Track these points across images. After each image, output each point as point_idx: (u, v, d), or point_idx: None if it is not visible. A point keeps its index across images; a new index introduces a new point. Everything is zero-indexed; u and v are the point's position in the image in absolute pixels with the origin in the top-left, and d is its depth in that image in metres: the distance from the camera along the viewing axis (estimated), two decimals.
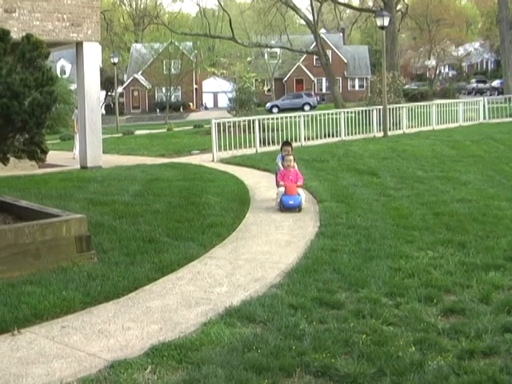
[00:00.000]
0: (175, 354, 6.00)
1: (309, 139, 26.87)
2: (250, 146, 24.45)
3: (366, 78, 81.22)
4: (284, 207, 12.83)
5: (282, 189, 12.95)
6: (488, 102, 35.96)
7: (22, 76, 9.91)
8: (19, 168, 19.14)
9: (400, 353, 5.89)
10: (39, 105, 10.06)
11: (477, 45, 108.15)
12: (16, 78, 9.81)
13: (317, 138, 27.28)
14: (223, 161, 22.20)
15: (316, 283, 8.00)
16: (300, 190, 13.03)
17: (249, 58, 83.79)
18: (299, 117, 27.42)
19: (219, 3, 71.25)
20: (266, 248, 9.88)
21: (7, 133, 10.40)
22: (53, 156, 19.02)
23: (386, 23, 30.84)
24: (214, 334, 6.43)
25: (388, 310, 7.08)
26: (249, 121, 25.98)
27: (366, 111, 30.33)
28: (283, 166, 13.56)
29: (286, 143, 14.54)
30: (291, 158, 13.48)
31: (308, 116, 28.57)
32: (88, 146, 21.68)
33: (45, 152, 12.45)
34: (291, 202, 12.80)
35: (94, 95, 21.96)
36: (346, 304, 7.32)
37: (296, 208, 12.77)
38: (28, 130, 10.63)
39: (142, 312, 7.28)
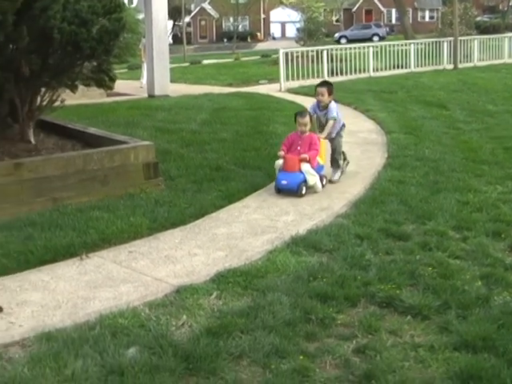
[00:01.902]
0: (241, 280, 6.04)
1: (377, 70, 26.59)
2: (318, 76, 24.18)
3: (437, 9, 79.67)
4: (276, 188, 9.19)
5: (280, 161, 9.29)
6: None
7: (90, 3, 9.89)
8: (88, 96, 19.29)
9: (466, 287, 5.82)
10: (107, 32, 10.06)
11: None
12: (84, 5, 9.79)
13: (386, 69, 26.96)
14: (290, 91, 22.09)
15: (383, 214, 7.94)
16: (306, 166, 9.07)
17: None
18: (368, 47, 27.08)
19: None
20: None
21: (76, 60, 10.43)
22: (120, 85, 19.07)
23: None
24: (280, 261, 6.45)
25: (455, 244, 6.99)
26: (317, 51, 25.67)
27: (436, 43, 29.69)
28: (297, 129, 9.53)
29: (321, 84, 10.22)
30: (306, 119, 9.36)
31: (377, 47, 28.12)
32: (155, 74, 21.70)
33: (113, 80, 12.48)
34: (284, 182, 9.04)
35: (161, 24, 21.88)
36: (412, 236, 7.25)
37: (293, 191, 9.00)
38: (96, 57, 10.66)
39: (208, 239, 7.33)
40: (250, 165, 10.55)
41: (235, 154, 11.24)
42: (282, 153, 9.26)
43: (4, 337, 5.12)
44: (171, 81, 22.95)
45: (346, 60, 26.72)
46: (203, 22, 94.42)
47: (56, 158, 8.99)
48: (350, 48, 27.44)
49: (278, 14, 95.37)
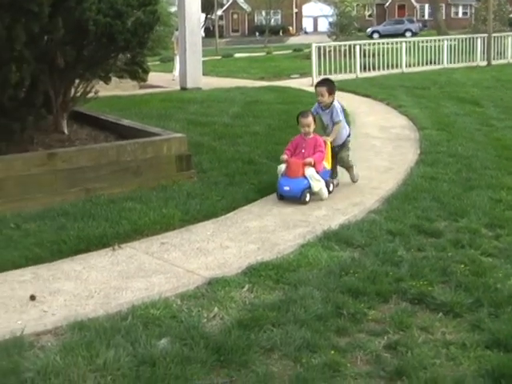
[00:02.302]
0: (272, 273, 6.05)
1: (410, 66, 26.46)
2: (350, 71, 24.23)
3: (471, 5, 78.80)
4: (278, 194, 8.59)
5: (283, 166, 8.61)
6: None
7: None
8: (121, 88, 19.38)
9: (498, 285, 5.78)
10: (142, 24, 10.12)
11: None
12: None
13: (418, 64, 26.86)
14: None
15: (415, 210, 7.90)
16: (310, 171, 8.42)
17: None
18: (401, 43, 26.95)
19: None
20: (365, 173, 9.76)
21: (110, 52, 10.50)
22: (153, 77, 19.16)
23: None
24: (312, 256, 6.44)
25: (487, 241, 6.94)
26: (349, 45, 25.61)
27: (469, 39, 29.52)
28: (301, 131, 8.85)
29: (320, 83, 9.46)
30: (309, 120, 8.72)
31: (410, 42, 27.98)
32: (188, 67, 21.75)
33: (146, 72, 12.55)
34: (286, 189, 8.41)
35: (194, 16, 21.93)
36: (444, 233, 7.21)
37: (296, 198, 8.38)
38: (130, 50, 10.73)
39: (240, 232, 7.35)
40: None
41: (267, 148, 11.23)
42: (284, 156, 8.63)
43: (37, 325, 5.16)
44: (203, 74, 22.99)
45: (378, 55, 26.61)
46: (235, 16, 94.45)
47: (89, 149, 9.04)
48: (383, 43, 27.38)
49: (311, 8, 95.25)
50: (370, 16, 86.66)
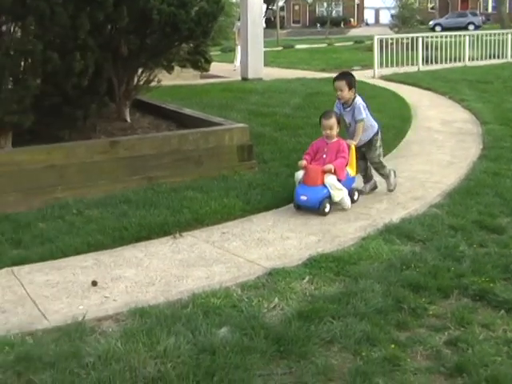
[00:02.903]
0: (333, 265, 6.02)
1: (473, 59, 26.12)
2: (412, 64, 24.01)
3: None
4: (295, 204, 7.83)
5: (300, 173, 7.86)
6: None
7: None
8: (182, 78, 19.46)
9: None
10: (206, 14, 10.15)
11: None
12: None
13: (481, 58, 26.48)
14: (384, 77, 21.94)
15: (477, 206, 7.79)
16: (331, 179, 7.63)
17: None
18: (464, 36, 26.61)
19: None
20: (427, 167, 9.69)
21: (173, 41, 10.56)
22: (214, 67, 19.16)
23: None
24: (373, 249, 6.40)
25: None
26: (412, 38, 25.37)
27: None
28: (323, 134, 8.01)
29: (339, 76, 8.41)
30: (332, 121, 7.85)
31: (473, 35, 27.61)
32: (249, 57, 21.77)
33: (208, 62, 12.60)
34: (303, 198, 7.63)
35: (256, 7, 21.93)
36: (507, 229, 7.08)
37: (314, 209, 7.63)
38: (194, 39, 10.77)
39: (301, 223, 7.33)
40: None
41: None
42: (303, 162, 7.84)
43: (98, 310, 5.22)
44: (264, 64, 22.97)
45: (441, 48, 26.32)
46: (296, 7, 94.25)
47: (151, 138, 9.11)
48: (446, 36, 27.02)
49: (372, 0, 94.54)
50: (432, 8, 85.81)
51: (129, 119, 11.00)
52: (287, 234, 7.00)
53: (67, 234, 6.92)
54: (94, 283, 5.71)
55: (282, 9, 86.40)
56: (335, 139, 7.89)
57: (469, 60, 25.95)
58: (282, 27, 73.44)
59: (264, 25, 25.67)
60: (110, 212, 7.59)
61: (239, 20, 24.10)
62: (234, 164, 9.15)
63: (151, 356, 4.43)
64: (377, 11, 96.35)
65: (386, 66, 23.15)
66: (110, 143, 8.62)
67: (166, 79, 12.71)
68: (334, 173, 7.65)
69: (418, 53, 24.56)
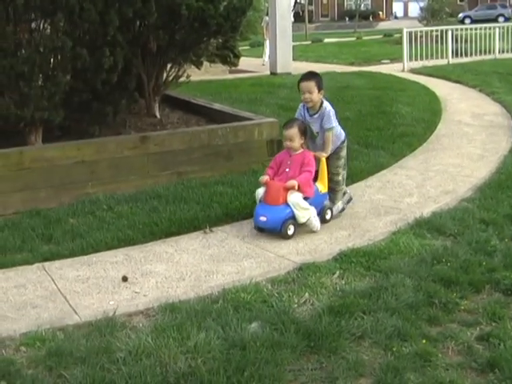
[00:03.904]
0: (363, 260, 6.00)
1: (503, 52, 25.88)
2: (442, 57, 23.86)
3: None
4: (255, 225, 6.92)
5: (261, 190, 6.92)
6: None
7: None
8: (210, 73, 19.49)
9: None
10: (234, 8, 10.14)
11: None
12: None
13: None
14: (413, 71, 21.83)
15: (509, 200, 7.71)
16: (295, 197, 6.69)
17: None
18: (494, 28, 26.36)
19: None
20: (458, 161, 9.62)
21: (202, 36, 10.56)
22: (242, 62, 19.19)
23: None
24: (403, 243, 6.37)
25: None
26: (441, 31, 25.21)
27: None
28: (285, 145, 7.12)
29: (307, 77, 7.26)
30: (292, 132, 6.92)
31: (503, 28, 27.34)
32: (278, 52, 21.74)
33: (237, 56, 12.61)
34: (262, 219, 6.71)
35: (284, 1, 21.93)
36: None
37: (275, 231, 6.71)
38: (223, 34, 10.77)
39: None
40: (373, 144, 10.42)
41: (358, 134, 11.12)
42: (264, 178, 6.89)
43: (129, 306, 5.24)
44: (293, 59, 22.93)
45: (470, 41, 26.10)
46: (325, 1, 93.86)
47: (181, 133, 9.12)
48: (476, 28, 26.76)
49: None
50: (461, 1, 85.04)
51: (158, 115, 11.02)
52: None
53: (98, 229, 6.95)
54: (125, 278, 5.73)
55: (310, 3, 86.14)
56: (299, 151, 6.96)
57: (499, 52, 25.71)
58: (310, 21, 73.22)
59: (292, 19, 25.62)
60: (140, 207, 7.62)
61: (268, 14, 24.06)
62: (264, 158, 9.10)
63: (182, 351, 4.44)
64: (405, 4, 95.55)
65: (416, 59, 23.01)
66: (140, 139, 8.64)
67: (195, 74, 12.73)
68: (299, 189, 6.75)
69: (448, 45, 24.38)
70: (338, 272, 5.79)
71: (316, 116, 7.17)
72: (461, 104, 14.79)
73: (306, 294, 5.37)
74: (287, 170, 6.89)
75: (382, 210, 7.51)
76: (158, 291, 5.51)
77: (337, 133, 7.27)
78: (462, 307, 5.15)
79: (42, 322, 4.94)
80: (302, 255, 6.24)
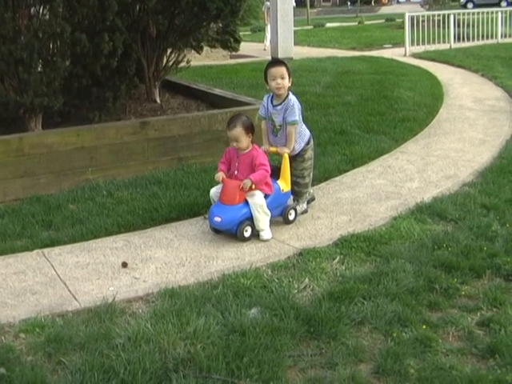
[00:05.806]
0: (364, 245, 5.99)
1: (506, 36, 25.81)
2: (444, 42, 23.82)
3: None
4: (211, 226, 6.46)
5: (214, 189, 6.54)
6: None
7: None
8: (211, 58, 19.47)
9: None
10: None
11: None
12: None
13: None
14: (415, 55, 21.81)
15: (510, 184, 7.69)
16: (258, 199, 6.23)
17: None
18: (496, 12, 26.27)
19: None
20: (459, 146, 9.59)
21: (202, 21, 10.51)
22: (244, 47, 19.20)
23: None
24: (404, 228, 6.35)
25: None
26: (443, 15, 25.12)
27: None
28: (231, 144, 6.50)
29: (277, 63, 6.80)
30: (235, 132, 6.32)
31: (506, 12, 27.24)
32: (279, 37, 21.64)
33: (238, 41, 12.56)
34: (217, 220, 6.20)
35: None
36: None
37: (231, 232, 6.27)
38: (223, 18, 10.73)
39: (332, 203, 7.28)
40: (375, 129, 10.41)
41: (359, 118, 11.11)
42: (219, 175, 6.39)
43: (128, 291, 5.23)
44: (295, 43, 22.85)
45: (473, 25, 26.02)
46: None
47: (181, 118, 9.08)
48: (478, 13, 26.63)
49: None
50: None
51: (158, 100, 11.00)
52: (318, 213, 6.95)
53: (98, 215, 6.95)
54: (124, 264, 5.72)
55: None
56: (247, 150, 6.41)
57: (501, 37, 25.66)
58: (312, 6, 72.98)
59: (294, 4, 25.48)
60: (140, 193, 7.61)
61: None
62: None
63: (181, 337, 4.42)
64: None
65: (418, 43, 22.99)
66: (139, 124, 8.61)
67: (195, 60, 12.70)
68: (256, 188, 6.27)
69: (450, 30, 24.31)
70: (338, 257, 5.78)
71: (279, 107, 6.66)
72: (463, 89, 14.75)
73: (306, 280, 5.35)
74: (236, 172, 6.41)
75: (383, 195, 7.48)
76: (158, 277, 5.49)
77: (301, 132, 6.84)
78: (463, 292, 5.13)
79: (41, 308, 4.92)
80: (303, 240, 6.21)
